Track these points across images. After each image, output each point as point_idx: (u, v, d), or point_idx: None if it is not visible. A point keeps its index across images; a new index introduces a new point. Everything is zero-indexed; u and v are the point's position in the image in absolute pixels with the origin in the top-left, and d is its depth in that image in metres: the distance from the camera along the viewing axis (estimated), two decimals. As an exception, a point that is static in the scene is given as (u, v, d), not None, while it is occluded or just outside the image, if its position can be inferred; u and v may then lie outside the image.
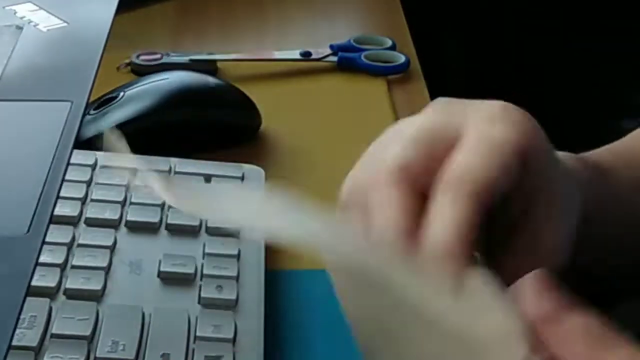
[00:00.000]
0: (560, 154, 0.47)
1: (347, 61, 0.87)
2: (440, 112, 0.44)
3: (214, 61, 0.85)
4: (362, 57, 0.87)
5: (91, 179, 0.63)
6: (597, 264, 0.53)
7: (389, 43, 0.91)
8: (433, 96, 0.84)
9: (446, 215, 0.39)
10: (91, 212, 0.60)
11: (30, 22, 0.53)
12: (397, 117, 0.80)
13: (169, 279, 0.56)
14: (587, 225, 0.46)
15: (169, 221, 0.61)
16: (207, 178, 0.65)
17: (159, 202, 0.62)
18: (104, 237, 0.58)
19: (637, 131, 0.59)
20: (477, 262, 0.39)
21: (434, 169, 0.41)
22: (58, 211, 0.58)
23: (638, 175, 0.55)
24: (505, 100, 0.44)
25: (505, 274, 0.38)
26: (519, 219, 0.43)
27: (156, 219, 0.61)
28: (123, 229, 0.60)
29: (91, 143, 0.69)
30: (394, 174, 0.41)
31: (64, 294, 0.54)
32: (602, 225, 0.51)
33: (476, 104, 0.44)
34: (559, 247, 0.43)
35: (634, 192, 0.54)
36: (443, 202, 0.40)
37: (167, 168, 0.65)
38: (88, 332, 0.51)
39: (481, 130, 0.41)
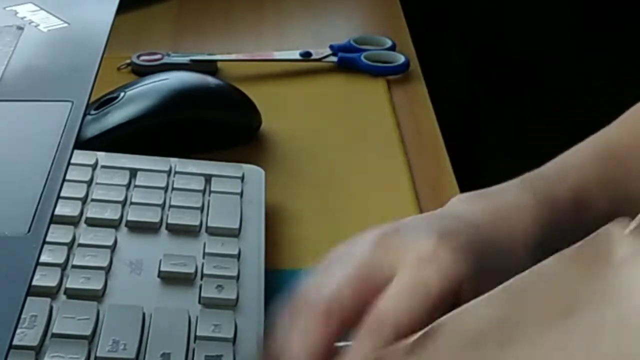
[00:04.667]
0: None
1: (347, 61, 0.87)
2: (380, 246, 0.47)
3: (214, 61, 0.86)
4: (362, 58, 0.87)
5: (92, 179, 0.63)
6: None
7: (389, 43, 0.91)
8: (433, 96, 0.84)
9: (357, 353, 0.43)
10: (92, 212, 0.60)
11: (31, 22, 0.53)
12: (397, 117, 0.80)
13: (170, 279, 0.56)
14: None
15: (169, 221, 0.61)
16: (207, 178, 0.65)
17: (160, 202, 0.62)
18: (104, 237, 0.58)
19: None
20: None
21: (364, 307, 0.44)
22: (59, 211, 0.58)
23: None
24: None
25: None
26: None
27: (156, 219, 0.61)
28: (123, 228, 0.60)
29: (92, 143, 0.69)
30: (325, 309, 0.45)
31: (65, 293, 0.54)
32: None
33: (413, 241, 0.46)
34: None
35: None
36: (360, 341, 0.43)
37: (167, 168, 0.65)
38: (89, 332, 0.51)
39: (410, 274, 0.45)
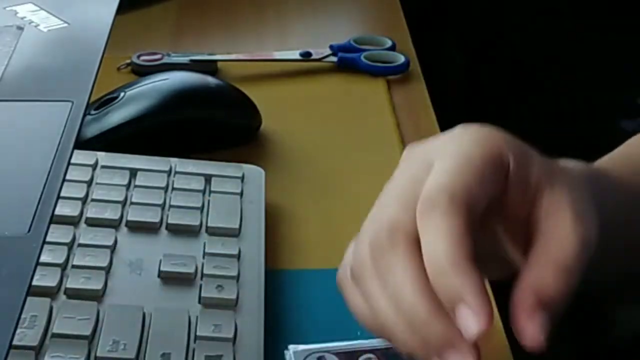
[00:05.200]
0: (567, 162, 0.47)
1: (347, 61, 0.88)
2: (411, 161, 0.45)
3: (214, 61, 0.86)
4: (362, 58, 0.87)
5: (92, 179, 0.63)
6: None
7: (389, 43, 0.91)
8: (433, 96, 0.84)
9: (435, 234, 0.40)
10: (92, 212, 0.60)
11: (31, 22, 0.53)
12: (396, 117, 0.80)
13: (170, 279, 0.56)
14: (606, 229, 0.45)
15: (169, 221, 0.61)
16: (207, 178, 0.65)
17: (160, 202, 0.62)
18: (104, 237, 0.58)
19: (633, 138, 0.59)
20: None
21: None
22: (59, 211, 0.58)
23: None
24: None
25: (526, 289, 0.40)
26: (532, 227, 0.43)
27: (156, 219, 0.61)
28: (123, 228, 0.60)
29: (92, 143, 0.69)
30: (391, 238, 0.42)
31: (65, 293, 0.54)
32: (620, 229, 0.50)
33: (439, 137, 0.46)
34: (583, 241, 0.41)
35: None
36: (427, 224, 0.41)
37: (167, 168, 0.65)
38: (89, 332, 0.51)
39: (445, 153, 0.43)
